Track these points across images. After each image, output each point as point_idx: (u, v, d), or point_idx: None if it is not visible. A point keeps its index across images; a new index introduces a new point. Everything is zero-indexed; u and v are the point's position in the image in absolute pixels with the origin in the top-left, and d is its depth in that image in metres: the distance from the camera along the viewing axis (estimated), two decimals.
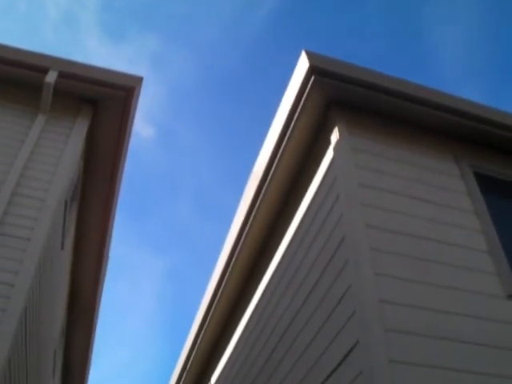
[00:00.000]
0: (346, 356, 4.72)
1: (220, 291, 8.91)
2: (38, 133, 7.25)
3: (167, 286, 51.96)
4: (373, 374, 4.27)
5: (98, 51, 25.19)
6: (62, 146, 7.30)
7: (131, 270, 48.36)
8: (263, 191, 7.23)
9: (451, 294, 5.07)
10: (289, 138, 6.58)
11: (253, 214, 7.56)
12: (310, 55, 6.18)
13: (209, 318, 9.50)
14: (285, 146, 6.66)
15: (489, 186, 6.27)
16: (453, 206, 5.91)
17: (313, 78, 6.09)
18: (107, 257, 10.07)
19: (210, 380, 10.07)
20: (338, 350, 4.90)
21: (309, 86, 6.15)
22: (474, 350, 4.72)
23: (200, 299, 9.98)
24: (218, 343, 9.93)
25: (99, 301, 11.17)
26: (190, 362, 10.62)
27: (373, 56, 23.11)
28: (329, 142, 6.16)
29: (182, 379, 11.15)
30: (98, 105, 7.74)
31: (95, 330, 12.02)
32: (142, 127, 33.80)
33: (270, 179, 7.05)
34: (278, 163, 6.85)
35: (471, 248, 5.58)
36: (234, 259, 8.35)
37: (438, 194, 5.97)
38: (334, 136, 6.05)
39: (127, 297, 49.64)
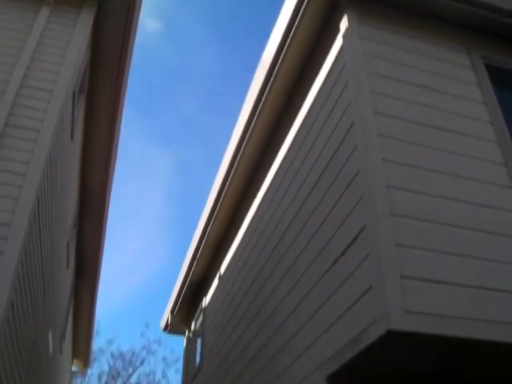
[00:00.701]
0: (353, 240, 4.82)
1: (228, 183, 9.01)
2: (44, 25, 7.19)
3: (176, 180, 52.51)
4: (380, 258, 4.37)
5: None
6: (68, 37, 7.25)
7: (141, 165, 48.69)
8: (271, 80, 7.19)
9: (459, 182, 5.12)
10: (298, 25, 6.48)
11: (261, 103, 7.55)
12: None
13: (217, 209, 9.64)
14: (294, 33, 6.57)
15: (499, 78, 6.20)
16: (462, 97, 5.87)
17: None
18: (116, 149, 10.12)
19: (219, 269, 10.33)
20: (345, 235, 5.01)
21: None
22: (479, 236, 4.81)
23: (208, 193, 10.12)
24: (226, 234, 10.14)
25: (110, 193, 11.33)
26: (199, 253, 10.86)
27: None
28: (338, 30, 6.07)
29: (192, 269, 11.43)
30: None
31: (106, 223, 12.24)
32: (149, 21, 33.17)
33: (279, 67, 6.99)
34: (286, 51, 6.77)
35: (480, 138, 5.57)
36: (241, 151, 8.40)
37: (447, 84, 5.92)
38: (344, 24, 5.96)
39: (137, 192, 50.21)
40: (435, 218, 4.76)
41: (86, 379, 31.57)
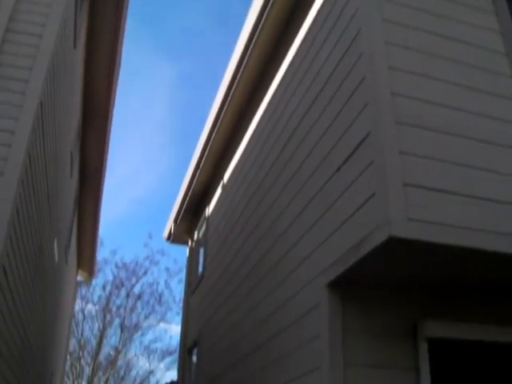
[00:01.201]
0: (356, 148, 4.82)
1: (231, 92, 8.94)
2: None
3: (179, 92, 52.15)
4: (383, 165, 4.38)
5: None
6: None
7: (143, 76, 48.18)
8: None
9: (466, 93, 5.07)
10: None
11: (265, 14, 7.42)
12: None
13: (221, 118, 9.59)
14: None
15: None
16: (471, 5, 5.74)
17: None
18: (120, 59, 9.99)
19: (222, 178, 10.37)
20: (348, 143, 5.00)
21: None
22: (486, 148, 4.81)
23: (212, 104, 10.04)
24: (229, 143, 10.12)
25: (113, 104, 11.24)
26: (202, 162, 10.88)
27: None
28: None
29: (195, 179, 11.48)
30: None
31: (110, 134, 12.20)
32: None
33: None
34: None
35: (488, 49, 5.48)
36: (244, 62, 8.31)
37: None
38: None
39: (139, 103, 49.88)
40: (441, 128, 4.74)
41: (91, 289, 32.23)
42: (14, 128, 5.85)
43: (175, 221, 13.21)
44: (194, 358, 11.30)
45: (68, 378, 30.56)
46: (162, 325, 45.98)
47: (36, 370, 9.81)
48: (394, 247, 4.22)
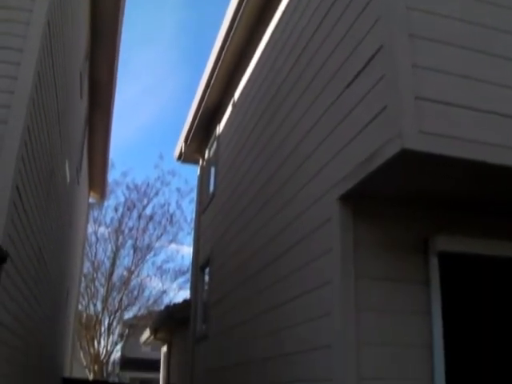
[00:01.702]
0: (369, 61, 4.75)
1: (243, 6, 8.75)
2: None
3: (189, 12, 51.28)
4: (395, 78, 4.33)
5: None
6: None
7: None
8: None
9: (481, 6, 4.91)
10: None
11: None
12: None
13: (232, 32, 9.37)
14: None
15: None
16: None
17: None
18: None
19: (233, 96, 10.29)
20: (361, 56, 4.91)
21: None
22: (500, 63, 4.71)
23: (223, 19, 9.84)
24: (241, 59, 9.93)
25: (122, 23, 11.06)
26: (213, 78, 10.74)
27: None
28: None
29: (206, 96, 11.38)
30: None
31: (119, 53, 12.05)
32: None
33: None
34: None
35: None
36: None
37: None
38: None
39: (148, 24, 49.11)
40: (455, 42, 4.65)
41: (103, 211, 32.55)
42: (22, 46, 5.81)
43: (186, 140, 13.18)
44: (206, 278, 11.49)
45: (83, 298, 31.19)
46: (173, 245, 46.75)
47: (52, 289, 10.00)
48: (406, 160, 4.22)
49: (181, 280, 35.88)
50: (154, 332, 15.66)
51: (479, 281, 5.19)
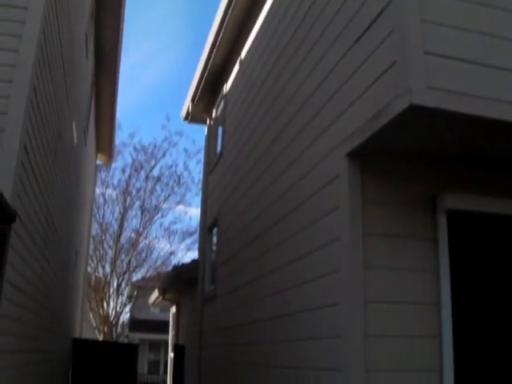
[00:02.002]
0: (377, 16, 4.68)
1: None
2: None
3: None
4: (404, 33, 4.29)
5: None
6: None
7: None
8: None
9: None
10: None
11: None
12: None
13: None
14: None
15: None
16: None
17: None
18: None
19: (240, 54, 10.20)
20: (369, 11, 4.84)
21: None
22: (508, 16, 4.65)
23: None
24: (248, 16, 9.77)
25: None
26: (220, 37, 10.62)
27: None
28: None
29: (213, 55, 11.26)
30: None
31: (124, 14, 11.98)
32: None
33: None
34: None
35: None
36: None
37: None
38: None
39: None
40: None
41: (111, 173, 32.65)
42: (26, 4, 5.76)
43: (193, 100, 13.10)
44: (214, 238, 11.53)
45: (92, 260, 31.43)
46: (181, 207, 46.84)
47: (61, 250, 10.06)
48: (415, 116, 4.18)
49: (188, 241, 36.16)
50: (163, 293, 15.77)
51: (488, 240, 5.18)
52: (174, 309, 17.24)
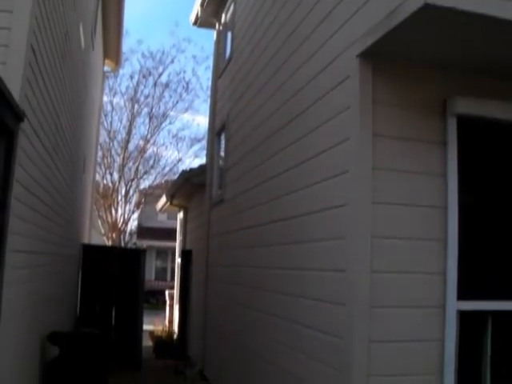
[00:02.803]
0: None
1: None
2: None
3: None
4: None
5: None
6: None
7: None
8: None
9: None
10: None
11: None
12: None
13: None
14: None
15: None
16: None
17: None
18: None
19: None
20: None
21: None
22: None
23: None
24: None
25: None
26: None
27: None
28: None
29: None
30: None
31: None
32: None
33: None
34: None
35: None
36: None
37: None
38: None
39: None
40: None
41: (118, 80, 32.42)
42: None
43: (202, 4, 12.85)
44: (222, 144, 11.53)
45: (100, 168, 31.61)
46: (189, 114, 46.73)
47: (70, 155, 10.08)
48: (429, 16, 4.08)
49: (196, 148, 36.22)
50: (171, 198, 15.89)
51: (497, 146, 5.19)
52: (181, 214, 17.42)
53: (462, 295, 4.87)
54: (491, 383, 5.02)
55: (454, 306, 4.83)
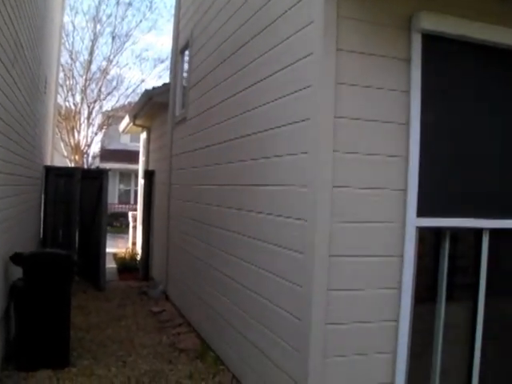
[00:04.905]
0: None
1: None
2: None
3: None
4: None
5: None
6: None
7: None
8: None
9: None
10: None
11: None
12: None
13: None
14: None
15: None
16: None
17: None
18: None
19: None
20: None
21: None
22: None
23: None
24: None
25: None
26: None
27: None
28: None
29: None
30: None
31: None
32: None
33: None
34: None
35: None
36: None
37: None
38: None
39: None
40: None
41: None
42: None
43: None
44: (186, 65, 11.33)
45: (62, 89, 31.06)
46: (153, 35, 45.81)
47: (30, 74, 9.80)
48: None
49: (160, 69, 35.76)
50: (134, 118, 15.68)
51: (461, 65, 5.18)
52: (144, 135, 17.24)
53: (422, 212, 4.93)
54: (446, 295, 5.17)
55: (414, 222, 4.90)
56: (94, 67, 33.17)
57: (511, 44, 5.19)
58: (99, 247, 13.10)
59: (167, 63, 31.80)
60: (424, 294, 5.20)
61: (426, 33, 4.91)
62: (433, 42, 4.96)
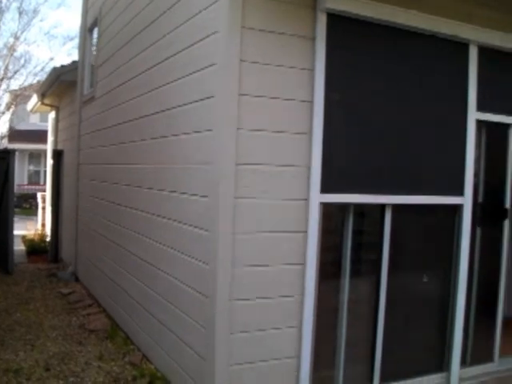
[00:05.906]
0: None
1: None
2: None
3: None
4: None
5: None
6: None
7: None
8: None
9: None
10: None
11: None
12: None
13: None
14: None
15: None
16: None
17: None
18: None
19: None
20: None
21: None
22: None
23: None
24: None
25: None
26: None
27: None
28: None
29: None
30: None
31: None
32: None
33: None
34: None
35: None
36: None
37: None
38: None
39: None
40: None
41: None
42: None
43: None
44: (95, 41, 11.11)
45: None
46: (62, 12, 44.70)
47: None
48: None
49: (69, 46, 34.93)
50: (42, 97, 15.26)
51: (366, 45, 5.26)
52: (53, 114, 16.82)
53: (326, 188, 5.02)
54: (351, 270, 5.30)
55: (318, 198, 4.98)
56: (0, 44, 32.07)
57: (415, 26, 5.32)
58: (6, 229, 12.73)
59: (77, 41, 31.11)
60: (329, 269, 5.31)
61: (332, 12, 4.96)
62: (338, 22, 5.02)
